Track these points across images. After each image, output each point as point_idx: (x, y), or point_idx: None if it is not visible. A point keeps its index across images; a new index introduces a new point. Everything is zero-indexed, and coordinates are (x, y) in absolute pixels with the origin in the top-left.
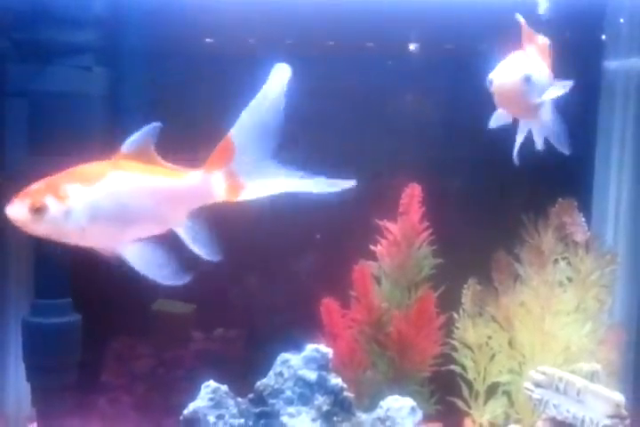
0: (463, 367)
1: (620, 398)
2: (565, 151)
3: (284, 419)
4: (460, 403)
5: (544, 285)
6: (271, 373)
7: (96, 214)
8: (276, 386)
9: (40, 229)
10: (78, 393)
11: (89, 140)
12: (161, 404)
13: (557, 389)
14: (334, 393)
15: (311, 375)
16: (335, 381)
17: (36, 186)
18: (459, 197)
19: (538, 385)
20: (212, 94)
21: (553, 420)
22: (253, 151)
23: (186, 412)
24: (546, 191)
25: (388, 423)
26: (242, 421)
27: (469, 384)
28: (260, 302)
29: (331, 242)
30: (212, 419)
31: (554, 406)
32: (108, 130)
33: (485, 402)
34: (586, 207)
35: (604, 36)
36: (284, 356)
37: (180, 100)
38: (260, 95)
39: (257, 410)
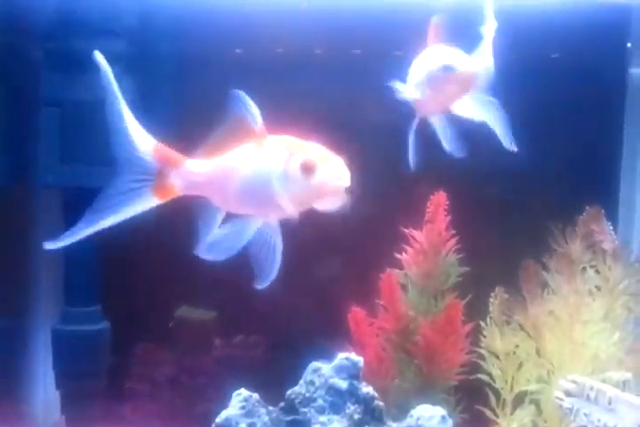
0: (490, 376)
1: None
2: (512, 149)
3: None
4: (487, 412)
5: (573, 293)
6: (302, 381)
7: None
8: (308, 395)
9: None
10: (106, 400)
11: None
12: (186, 411)
13: (588, 398)
14: (365, 402)
15: (342, 384)
16: (366, 389)
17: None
18: (485, 206)
19: (568, 394)
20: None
21: None
22: None
23: (218, 420)
24: (573, 199)
25: None
26: None
27: (496, 393)
28: (286, 311)
29: (357, 250)
30: None
31: (584, 415)
32: None
33: (513, 411)
34: (612, 215)
35: (629, 44)
36: (314, 364)
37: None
38: None
39: (288, 418)
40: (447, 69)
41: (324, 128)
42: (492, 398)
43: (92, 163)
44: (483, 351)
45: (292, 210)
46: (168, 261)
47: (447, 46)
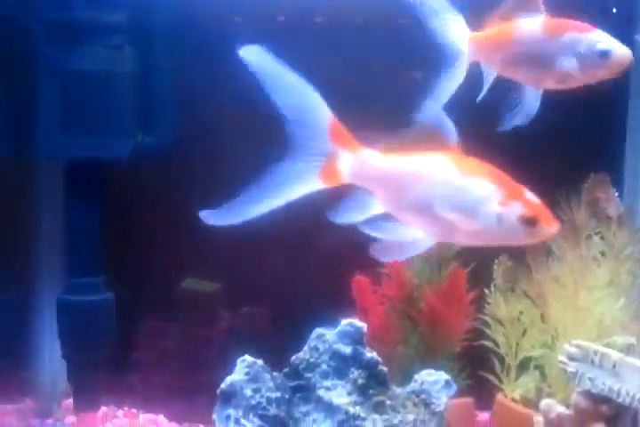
0: (495, 342)
1: None
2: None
3: (321, 392)
4: (491, 378)
5: (578, 260)
6: (306, 347)
7: None
8: (312, 360)
9: None
10: (112, 370)
11: (121, 121)
12: (191, 381)
13: (593, 362)
14: (369, 367)
15: (346, 349)
16: (370, 355)
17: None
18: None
19: (572, 359)
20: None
21: (588, 393)
22: None
23: (223, 385)
24: (577, 166)
25: (422, 396)
26: (278, 394)
27: (501, 359)
28: (290, 281)
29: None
30: (248, 392)
31: (589, 379)
32: (141, 109)
33: (517, 377)
34: (618, 183)
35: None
36: (318, 330)
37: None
38: None
39: (293, 384)
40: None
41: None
42: (497, 365)
43: (92, 134)
44: (487, 318)
45: (479, 244)
46: (175, 233)
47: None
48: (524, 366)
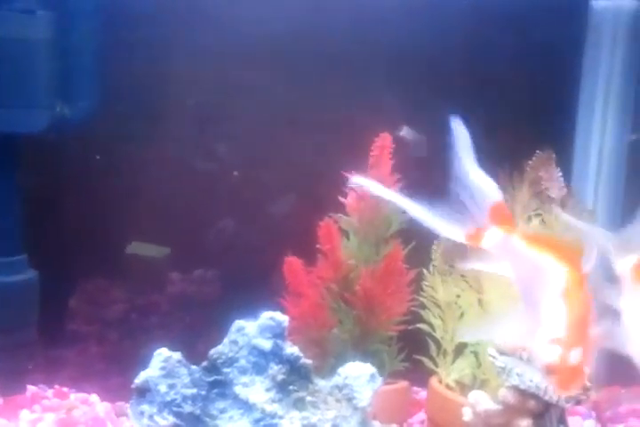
0: (431, 326)
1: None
2: None
3: (238, 389)
4: (426, 361)
5: None
6: (226, 340)
7: None
8: (231, 354)
9: None
10: (42, 348)
11: (36, 91)
12: (129, 356)
13: (521, 357)
14: (290, 362)
15: (266, 344)
16: (291, 350)
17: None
18: (430, 150)
19: (502, 353)
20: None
21: (516, 388)
22: None
23: (137, 381)
24: (525, 144)
25: (345, 391)
26: (194, 391)
27: (437, 343)
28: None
29: (298, 195)
30: (163, 389)
31: (517, 374)
32: (59, 79)
33: (453, 361)
34: (566, 162)
35: None
36: (238, 323)
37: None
38: None
39: (210, 379)
40: None
41: None
42: (433, 348)
43: (6, 105)
44: (424, 301)
45: None
46: (120, 196)
47: None
48: (460, 350)
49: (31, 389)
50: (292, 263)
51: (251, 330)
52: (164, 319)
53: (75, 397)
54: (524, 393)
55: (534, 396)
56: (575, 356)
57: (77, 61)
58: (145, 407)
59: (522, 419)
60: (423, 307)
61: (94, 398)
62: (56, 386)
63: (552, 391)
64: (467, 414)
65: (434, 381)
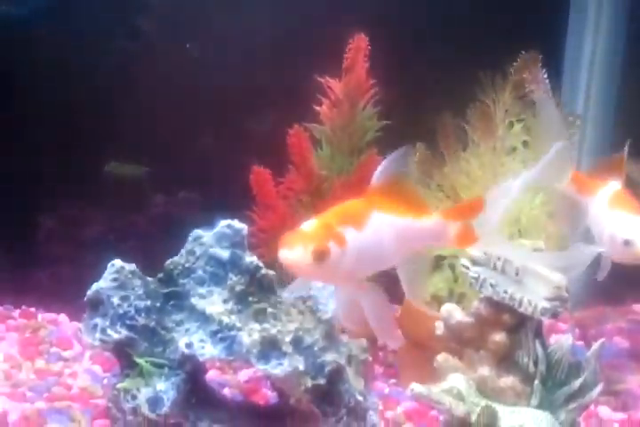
0: None
1: (561, 279)
2: None
3: (194, 300)
4: None
5: (491, 152)
6: (183, 251)
7: (361, 258)
8: (187, 265)
9: (315, 273)
10: (15, 267)
11: None
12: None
13: (495, 267)
14: (249, 272)
15: (223, 253)
16: (250, 259)
17: (312, 228)
18: (409, 51)
19: (475, 263)
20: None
21: (490, 301)
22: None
23: (89, 292)
24: (511, 44)
25: (309, 303)
26: (148, 302)
27: None
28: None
29: (267, 102)
30: (115, 300)
31: (491, 285)
32: None
33: (430, 275)
34: (556, 64)
35: None
36: (196, 232)
37: None
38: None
39: (166, 291)
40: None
41: None
42: None
43: None
44: None
45: None
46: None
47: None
48: (436, 264)
49: None
50: (260, 174)
51: (208, 239)
52: (140, 240)
53: (42, 317)
54: (497, 305)
55: (509, 308)
56: None
57: None
58: (98, 321)
59: (495, 333)
60: None
61: (63, 317)
62: (23, 306)
63: (527, 303)
64: (439, 328)
65: None
